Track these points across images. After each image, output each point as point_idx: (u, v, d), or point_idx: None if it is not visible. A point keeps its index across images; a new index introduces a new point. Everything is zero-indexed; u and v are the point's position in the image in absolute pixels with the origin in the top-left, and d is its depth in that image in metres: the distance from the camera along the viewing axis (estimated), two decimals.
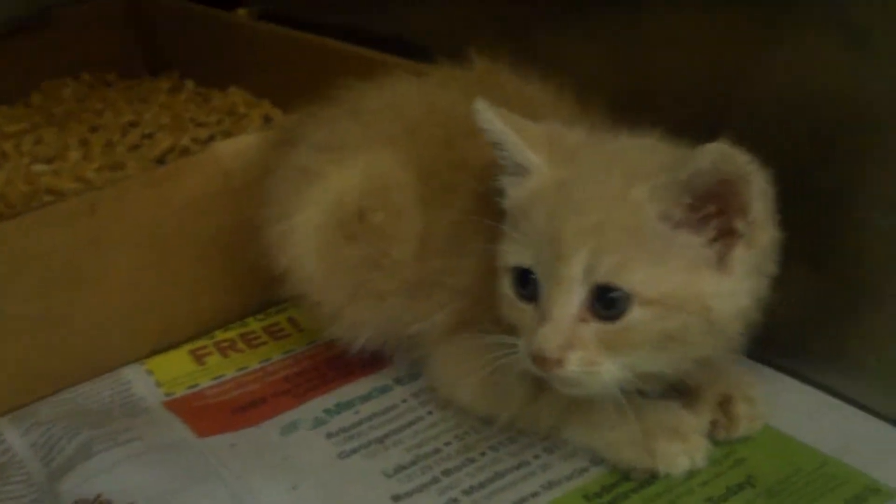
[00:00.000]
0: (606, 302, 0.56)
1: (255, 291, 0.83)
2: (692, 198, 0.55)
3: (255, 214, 0.74)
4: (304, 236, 0.72)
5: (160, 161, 1.01)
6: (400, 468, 0.66)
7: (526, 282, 0.59)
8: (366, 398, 0.74)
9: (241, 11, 1.21)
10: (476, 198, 0.67)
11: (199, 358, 0.80)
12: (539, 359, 0.57)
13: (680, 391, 0.66)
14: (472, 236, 0.66)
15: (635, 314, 0.56)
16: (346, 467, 0.67)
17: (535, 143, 0.61)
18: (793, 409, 0.68)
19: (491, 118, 0.61)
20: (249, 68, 1.15)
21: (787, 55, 0.68)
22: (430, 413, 0.72)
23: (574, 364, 0.56)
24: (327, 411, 0.73)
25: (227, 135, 1.04)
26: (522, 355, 0.58)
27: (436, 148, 0.71)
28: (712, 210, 0.56)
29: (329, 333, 0.74)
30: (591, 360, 0.57)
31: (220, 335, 0.83)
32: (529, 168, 0.61)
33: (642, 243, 0.56)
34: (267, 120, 1.07)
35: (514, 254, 0.60)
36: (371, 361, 0.76)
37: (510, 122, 0.61)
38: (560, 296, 0.57)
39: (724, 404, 0.66)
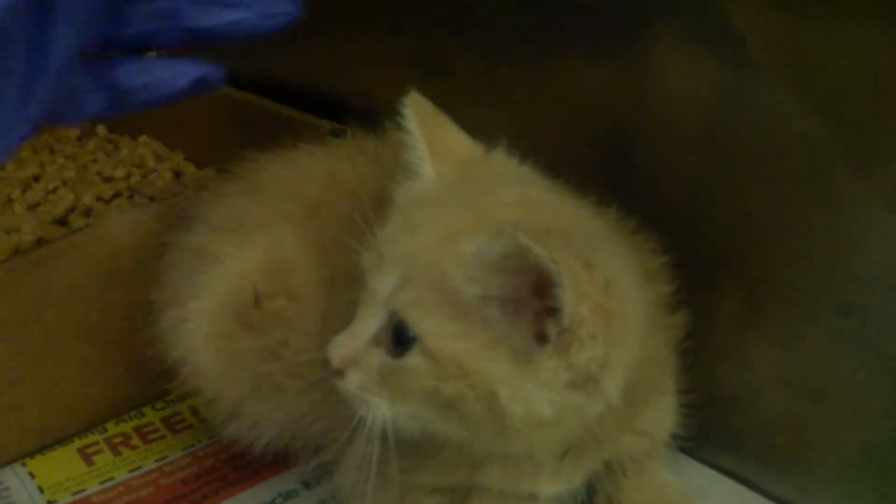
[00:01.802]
0: (398, 336, 0.51)
1: (152, 377, 0.76)
2: (503, 278, 0.48)
3: (148, 298, 0.68)
4: (198, 325, 0.66)
5: (61, 222, 0.94)
6: None
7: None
8: None
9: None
10: None
11: (87, 457, 0.72)
12: (325, 360, 0.53)
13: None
14: None
15: (412, 360, 0.50)
16: None
17: (440, 155, 0.56)
18: None
19: (410, 117, 0.56)
20: (163, 116, 1.07)
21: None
22: None
23: (351, 383, 0.52)
24: None
25: (133, 192, 0.96)
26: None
27: (339, 226, 0.64)
28: (531, 300, 0.49)
29: (228, 433, 0.67)
30: (366, 387, 0.52)
31: (112, 429, 0.75)
32: (419, 176, 0.57)
33: (448, 297, 0.49)
34: (177, 175, 1.00)
35: (365, 257, 0.54)
36: (277, 459, 0.69)
37: (430, 127, 0.57)
38: (367, 310, 0.52)
39: None
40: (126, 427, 0.75)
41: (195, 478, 0.70)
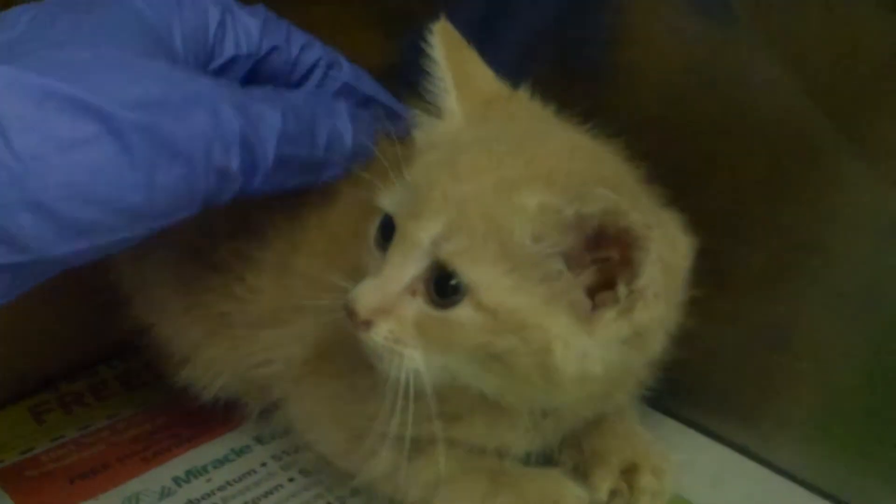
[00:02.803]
0: (441, 286, 0.48)
1: (109, 334, 0.74)
2: (576, 236, 0.47)
3: None
4: (159, 264, 0.64)
5: None
6: None
7: (388, 231, 0.51)
8: (221, 462, 0.65)
9: None
10: (356, 205, 0.58)
11: (37, 416, 0.71)
12: (350, 311, 0.49)
13: (578, 453, 0.59)
14: (346, 250, 0.57)
15: (463, 312, 0.47)
16: None
17: (466, 91, 0.54)
18: (700, 473, 0.61)
19: (437, 47, 0.54)
20: None
21: None
22: (290, 480, 0.63)
23: (380, 334, 0.49)
24: (176, 479, 0.64)
25: None
26: (342, 302, 0.50)
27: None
28: (598, 257, 0.47)
29: (181, 378, 0.65)
30: (398, 338, 0.49)
31: (64, 388, 0.73)
32: (445, 114, 0.54)
33: (505, 249, 0.47)
34: None
35: (388, 196, 0.51)
36: (230, 416, 0.67)
37: (457, 60, 0.54)
38: (401, 256, 0.49)
39: (628, 473, 0.58)
40: (79, 386, 0.74)
41: (147, 435, 0.68)
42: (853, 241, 0.56)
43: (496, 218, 0.47)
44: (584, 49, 0.68)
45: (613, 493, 0.57)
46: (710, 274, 0.61)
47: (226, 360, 0.63)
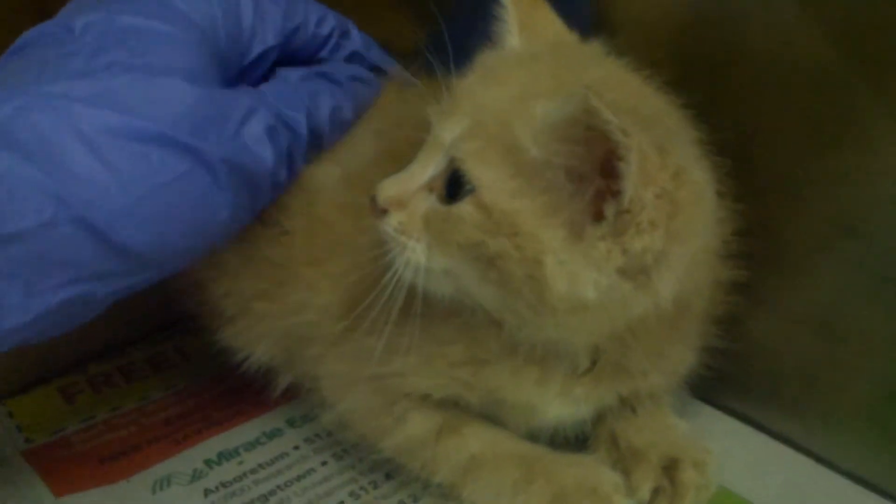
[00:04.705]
0: (453, 184, 0.49)
1: (137, 316, 0.74)
2: (571, 146, 0.45)
3: None
4: None
5: None
6: None
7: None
8: (252, 445, 0.65)
9: None
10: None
11: (68, 396, 0.70)
12: (371, 199, 0.52)
13: (615, 449, 0.58)
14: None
15: (464, 208, 0.48)
16: None
17: (530, 32, 0.55)
18: (743, 462, 0.60)
19: None
20: None
21: None
22: (323, 464, 0.63)
23: (391, 223, 0.51)
24: (208, 462, 0.63)
25: None
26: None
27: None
28: (596, 177, 0.46)
29: (223, 336, 0.64)
30: (406, 230, 0.51)
31: (94, 368, 0.73)
32: (505, 42, 0.56)
33: (512, 154, 0.47)
34: None
35: (434, 108, 0.53)
36: (261, 399, 0.66)
37: (525, 5, 0.56)
38: (426, 156, 0.51)
39: (670, 469, 0.56)
40: (108, 367, 0.73)
41: (178, 417, 0.68)
42: None
43: (509, 123, 0.48)
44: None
45: (656, 491, 0.56)
46: (750, 258, 0.60)
47: (271, 315, 0.62)
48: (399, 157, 0.55)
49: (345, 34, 0.67)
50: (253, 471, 0.62)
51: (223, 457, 0.64)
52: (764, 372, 0.60)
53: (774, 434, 0.62)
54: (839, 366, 0.59)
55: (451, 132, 0.50)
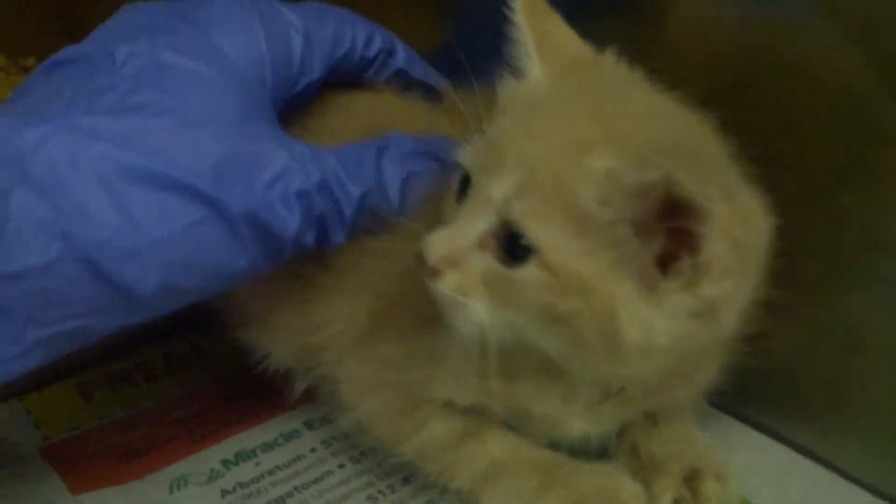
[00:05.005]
0: (510, 244, 0.47)
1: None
2: (644, 204, 0.45)
3: None
4: None
5: None
6: None
7: (467, 185, 0.51)
8: (270, 446, 0.64)
9: None
10: None
11: (86, 394, 0.70)
12: (420, 259, 0.49)
13: (635, 459, 0.58)
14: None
15: (529, 272, 0.47)
16: None
17: (548, 54, 0.53)
18: (765, 475, 0.59)
19: (518, 10, 0.53)
20: None
21: None
22: (341, 467, 0.62)
23: (448, 284, 0.49)
24: (225, 462, 0.63)
25: None
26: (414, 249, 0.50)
27: None
28: (670, 226, 0.46)
29: (243, 337, 0.64)
30: (464, 290, 0.48)
31: (112, 366, 0.73)
32: (526, 74, 0.53)
33: (573, 212, 0.46)
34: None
35: (467, 152, 0.51)
36: (279, 401, 0.66)
37: (539, 23, 0.53)
38: (474, 210, 0.49)
39: (691, 480, 0.56)
40: (127, 364, 0.73)
41: (195, 417, 0.68)
42: None
43: (565, 180, 0.46)
44: None
45: (677, 502, 0.55)
46: (776, 274, 0.59)
47: (293, 327, 0.61)
48: None
49: (391, 53, 0.66)
50: (270, 472, 0.62)
51: (240, 457, 0.64)
52: (788, 385, 0.59)
53: (797, 447, 0.61)
54: (863, 380, 0.58)
55: (500, 189, 0.47)
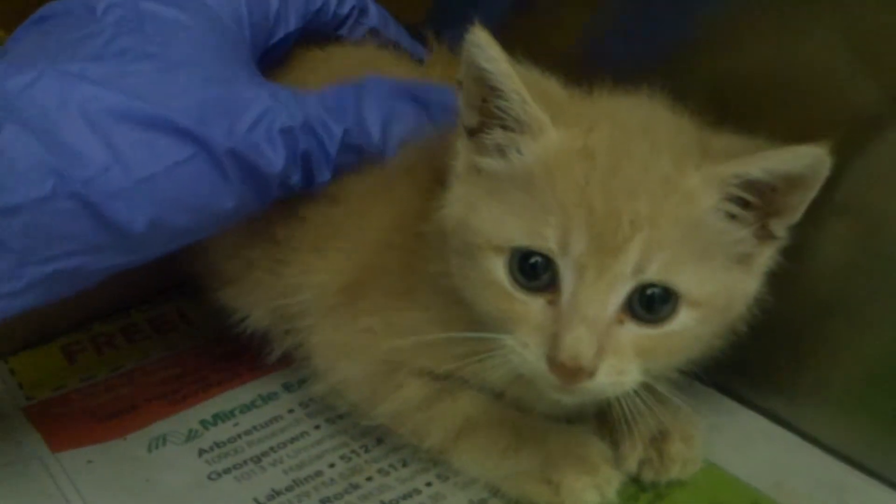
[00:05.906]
0: (649, 303, 0.47)
1: (140, 278, 0.75)
2: (753, 193, 0.48)
3: None
4: None
5: None
6: (274, 494, 0.58)
7: (532, 268, 0.48)
8: (248, 407, 0.66)
9: None
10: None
11: (70, 355, 0.71)
12: (568, 368, 0.47)
13: (605, 420, 0.58)
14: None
15: (682, 318, 0.48)
16: (215, 492, 0.59)
17: (540, 97, 0.50)
18: (726, 437, 0.60)
19: (494, 57, 0.48)
20: None
21: None
22: (316, 428, 0.63)
23: (604, 374, 0.47)
24: (203, 423, 0.64)
25: None
26: (533, 360, 0.48)
27: None
28: (760, 203, 0.49)
29: (223, 298, 0.65)
30: (621, 369, 0.48)
31: (97, 328, 0.74)
32: (532, 126, 0.49)
33: (691, 237, 0.47)
34: None
35: (516, 230, 0.48)
36: (258, 363, 0.67)
37: (524, 73, 0.50)
38: (599, 293, 0.47)
39: (658, 441, 0.56)
40: (111, 327, 0.74)
41: (176, 378, 0.69)
42: (892, 204, 0.55)
43: (676, 215, 0.47)
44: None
45: (643, 463, 0.56)
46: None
47: (268, 287, 0.62)
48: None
49: (363, 11, 0.67)
50: (247, 432, 0.63)
51: (219, 418, 0.65)
52: (754, 349, 0.60)
53: (763, 411, 0.62)
54: (830, 344, 0.59)
55: (629, 261, 0.46)
